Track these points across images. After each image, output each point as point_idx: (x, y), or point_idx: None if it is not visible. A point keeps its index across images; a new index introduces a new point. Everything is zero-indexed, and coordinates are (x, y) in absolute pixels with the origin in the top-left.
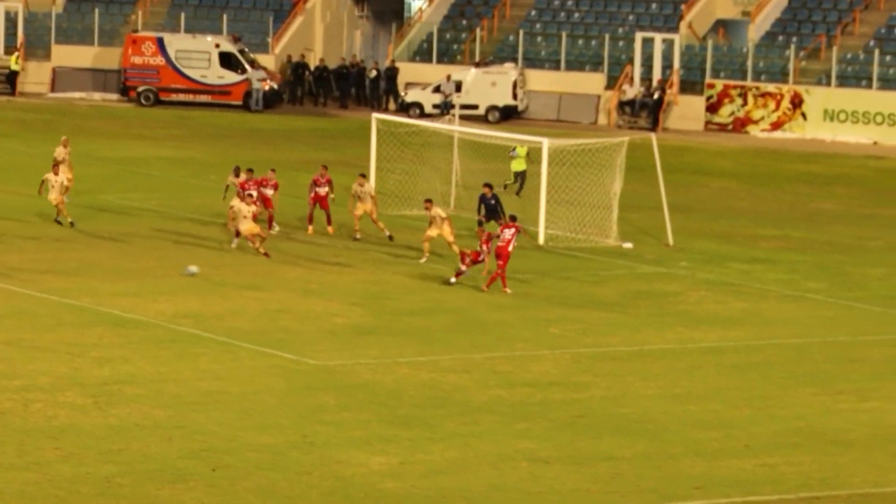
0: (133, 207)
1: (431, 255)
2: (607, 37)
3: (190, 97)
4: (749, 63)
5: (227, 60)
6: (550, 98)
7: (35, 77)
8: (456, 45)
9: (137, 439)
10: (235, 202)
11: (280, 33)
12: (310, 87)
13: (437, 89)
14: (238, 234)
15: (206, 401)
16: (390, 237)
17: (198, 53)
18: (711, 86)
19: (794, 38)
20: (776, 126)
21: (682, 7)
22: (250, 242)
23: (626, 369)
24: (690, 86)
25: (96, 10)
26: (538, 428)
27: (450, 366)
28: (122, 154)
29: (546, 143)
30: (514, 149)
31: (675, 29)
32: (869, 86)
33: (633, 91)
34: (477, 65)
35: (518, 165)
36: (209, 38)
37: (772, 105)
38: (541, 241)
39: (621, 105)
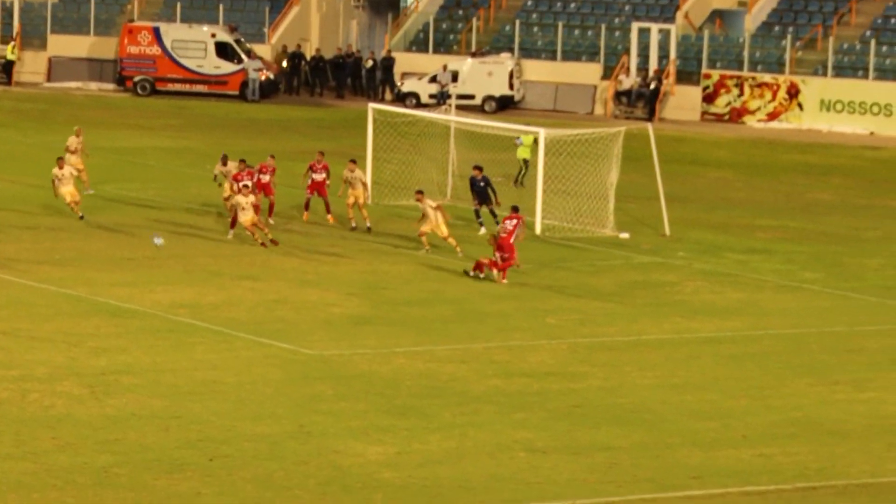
0: (130, 197)
1: (430, 247)
2: (604, 27)
3: (186, 87)
4: (745, 53)
5: (223, 50)
6: (547, 88)
7: (31, 67)
8: (452, 34)
9: (134, 429)
10: (238, 197)
11: (276, 23)
12: (306, 77)
13: (433, 79)
14: (234, 224)
15: (203, 391)
16: (368, 229)
17: (194, 43)
18: (708, 76)
19: (791, 29)
20: (773, 116)
21: None
22: (250, 234)
23: (623, 359)
24: (687, 76)
25: (92, 0)
26: (535, 418)
27: (447, 356)
28: (119, 144)
29: (543, 133)
30: (519, 137)
31: (672, 19)
32: (865, 76)
33: (629, 81)
34: (473, 55)
35: (524, 153)
36: (205, 28)
37: (768, 95)
38: (538, 231)
39: (618, 95)
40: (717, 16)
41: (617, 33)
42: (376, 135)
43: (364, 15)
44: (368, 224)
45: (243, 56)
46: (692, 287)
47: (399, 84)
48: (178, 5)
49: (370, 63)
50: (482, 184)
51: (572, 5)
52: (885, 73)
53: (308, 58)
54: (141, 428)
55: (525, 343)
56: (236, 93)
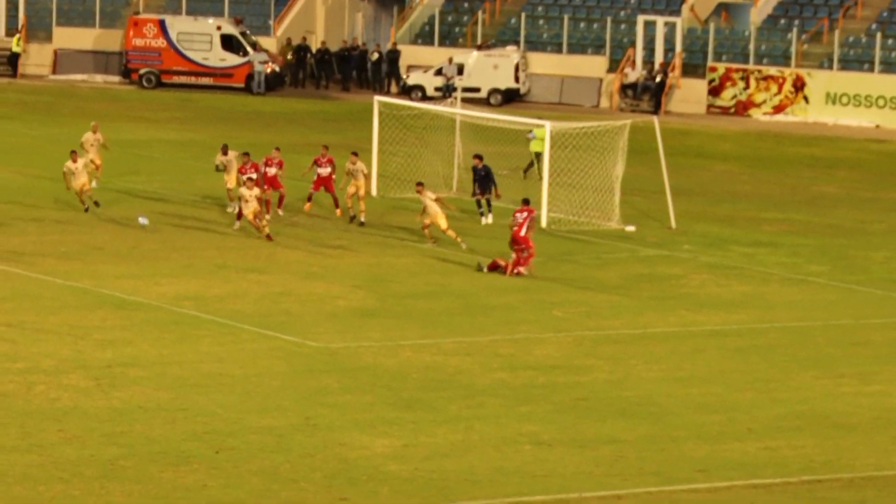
0: (135, 190)
1: (435, 240)
2: (609, 20)
3: (192, 80)
4: (751, 46)
5: (229, 43)
6: (553, 81)
7: (37, 59)
8: (458, 27)
9: (140, 422)
10: (241, 189)
11: (282, 16)
12: (312, 69)
13: (439, 72)
14: (240, 216)
15: (209, 383)
16: (362, 223)
17: (200, 36)
18: (714, 69)
19: (797, 22)
20: (778, 109)
21: None
22: (255, 227)
23: (629, 352)
24: (693, 69)
25: None
26: (541, 411)
27: (453, 349)
28: (124, 137)
29: (549, 126)
30: (532, 131)
31: (678, 12)
32: (871, 69)
33: (635, 74)
34: (479, 48)
35: (537, 146)
36: (211, 21)
37: (774, 88)
38: (544, 224)
39: (623, 88)
40: (723, 9)
41: (623, 26)
42: (382, 128)
43: (370, 7)
44: (363, 219)
45: (249, 49)
46: (698, 280)
47: (405, 77)
48: None
49: (376, 56)
50: (483, 173)
51: None
52: (891, 66)
53: (314, 50)
54: (147, 420)
55: (531, 336)
56: (242, 85)
